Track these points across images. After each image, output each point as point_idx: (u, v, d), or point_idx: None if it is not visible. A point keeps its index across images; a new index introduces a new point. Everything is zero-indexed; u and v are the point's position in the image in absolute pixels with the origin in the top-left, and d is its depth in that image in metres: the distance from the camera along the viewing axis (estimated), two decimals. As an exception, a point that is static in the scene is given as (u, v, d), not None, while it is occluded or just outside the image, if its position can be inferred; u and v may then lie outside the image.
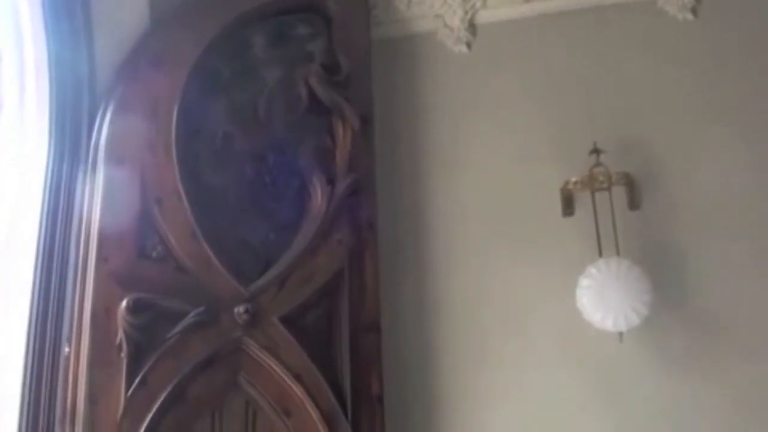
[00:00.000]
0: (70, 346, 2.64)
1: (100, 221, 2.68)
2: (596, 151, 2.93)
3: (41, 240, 2.76)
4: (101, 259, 2.64)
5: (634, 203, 2.96)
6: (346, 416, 2.65)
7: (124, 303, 2.59)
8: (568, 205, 2.98)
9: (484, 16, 3.29)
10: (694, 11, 3.13)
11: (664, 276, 2.88)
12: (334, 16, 3.05)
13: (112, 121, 2.76)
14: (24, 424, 2.63)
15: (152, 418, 2.53)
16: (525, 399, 2.88)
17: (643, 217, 2.98)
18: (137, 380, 2.56)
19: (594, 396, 2.86)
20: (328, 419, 2.63)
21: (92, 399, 2.54)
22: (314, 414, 2.62)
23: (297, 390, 2.63)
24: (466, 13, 3.27)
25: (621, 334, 2.80)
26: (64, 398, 2.60)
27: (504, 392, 2.89)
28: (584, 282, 2.80)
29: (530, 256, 2.99)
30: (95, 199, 2.70)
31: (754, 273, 2.91)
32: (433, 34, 3.30)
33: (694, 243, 2.96)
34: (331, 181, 2.84)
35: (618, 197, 2.93)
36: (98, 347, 2.58)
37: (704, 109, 3.06)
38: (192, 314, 2.63)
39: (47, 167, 2.79)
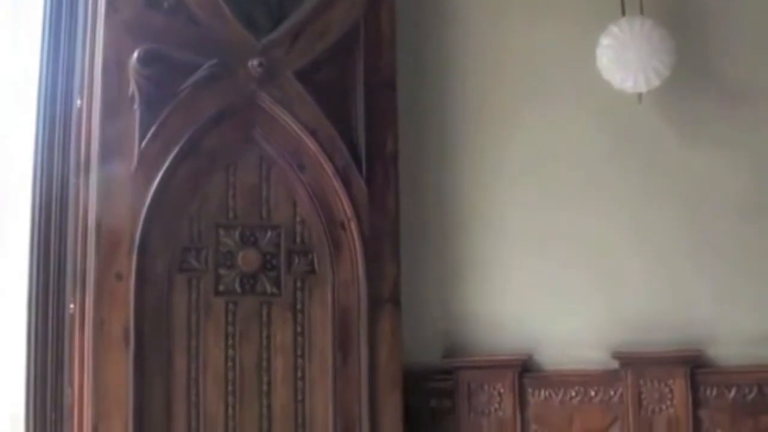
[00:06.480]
0: (82, 98, 2.62)
1: (108, -33, 2.59)
2: None
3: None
4: (111, 8, 2.55)
5: (660, -38, 2.86)
6: (361, 172, 2.64)
7: (135, 54, 2.52)
8: (592, -38, 2.87)
9: None
10: None
11: (688, 38, 2.82)
12: None
13: None
14: (39, 175, 2.67)
15: (166, 171, 2.52)
16: (541, 159, 2.88)
17: (669, -23, 2.89)
18: (150, 133, 2.52)
19: (610, 157, 2.87)
20: (342, 174, 2.62)
21: (105, 151, 2.51)
22: (328, 169, 2.61)
23: (311, 145, 2.61)
24: None
25: (640, 95, 2.75)
26: (78, 150, 2.61)
27: (520, 152, 2.88)
28: (605, 41, 2.73)
29: (551, 14, 2.90)
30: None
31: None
32: None
33: (722, 5, 2.89)
34: (346, -70, 2.72)
35: (644, -45, 2.82)
36: (110, 99, 2.53)
37: None
38: (205, 66, 2.56)
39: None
